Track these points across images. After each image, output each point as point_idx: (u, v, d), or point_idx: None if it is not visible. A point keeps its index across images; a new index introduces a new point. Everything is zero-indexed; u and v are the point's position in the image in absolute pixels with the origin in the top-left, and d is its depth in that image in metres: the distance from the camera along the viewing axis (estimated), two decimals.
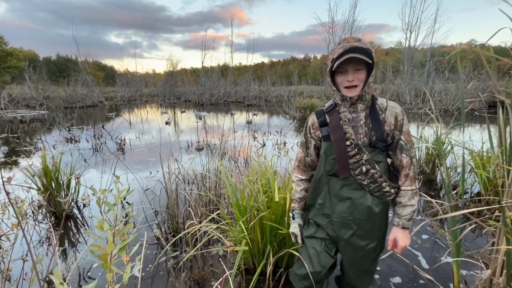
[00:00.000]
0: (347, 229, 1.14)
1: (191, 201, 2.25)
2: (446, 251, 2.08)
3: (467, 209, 2.79)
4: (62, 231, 2.40)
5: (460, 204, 2.89)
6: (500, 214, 1.23)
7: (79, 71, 19.55)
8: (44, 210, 2.71)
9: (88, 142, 6.10)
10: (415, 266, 1.89)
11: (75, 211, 2.83)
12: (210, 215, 1.95)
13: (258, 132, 6.91)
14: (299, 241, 1.29)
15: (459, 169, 3.41)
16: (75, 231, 2.49)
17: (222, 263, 1.81)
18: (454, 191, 3.02)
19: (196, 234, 2.15)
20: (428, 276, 1.79)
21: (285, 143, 5.72)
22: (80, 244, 2.28)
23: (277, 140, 5.90)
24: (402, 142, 1.07)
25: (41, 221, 2.61)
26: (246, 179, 1.82)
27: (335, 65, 1.00)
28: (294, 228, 1.30)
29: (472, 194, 3.11)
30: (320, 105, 10.52)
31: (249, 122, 9.18)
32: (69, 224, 2.58)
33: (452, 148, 3.52)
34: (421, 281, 1.77)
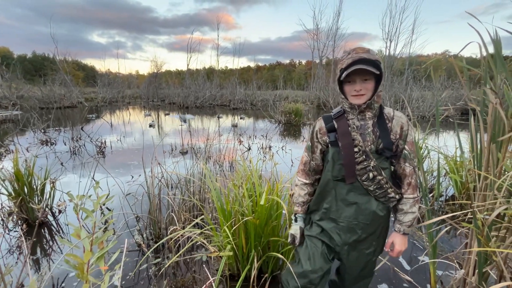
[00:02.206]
0: (352, 234, 1.16)
1: (174, 206, 2.20)
2: (424, 252, 2.16)
3: (442, 211, 2.93)
4: (34, 239, 2.26)
5: (436, 207, 3.02)
6: (472, 216, 1.30)
7: (56, 70, 18.67)
8: (15, 217, 2.55)
9: (65, 144, 5.81)
10: (395, 268, 1.95)
11: (50, 217, 2.68)
12: (193, 220, 1.92)
13: (243, 136, 6.90)
14: (297, 243, 1.30)
15: (435, 173, 3.58)
16: (49, 239, 2.36)
17: (206, 269, 1.77)
18: (431, 194, 3.17)
19: (179, 240, 2.11)
20: (407, 278, 1.85)
21: (270, 147, 5.75)
22: (55, 253, 2.16)
23: (262, 144, 5.92)
24: (406, 151, 1.10)
25: (11, 229, 2.44)
26: (231, 183, 1.81)
27: (343, 75, 1.02)
28: (295, 230, 1.31)
29: (447, 197, 3.27)
30: (305, 110, 10.70)
31: (234, 126, 9.16)
32: (43, 231, 2.44)
33: (428, 153, 3.69)
34: (401, 283, 1.83)
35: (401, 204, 1.14)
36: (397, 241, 1.15)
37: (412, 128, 1.12)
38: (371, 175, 1.08)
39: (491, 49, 1.24)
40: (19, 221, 2.53)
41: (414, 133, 1.12)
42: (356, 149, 1.08)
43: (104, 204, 2.85)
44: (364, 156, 1.08)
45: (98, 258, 0.76)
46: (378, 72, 1.01)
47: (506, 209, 1.16)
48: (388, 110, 1.12)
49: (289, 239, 1.33)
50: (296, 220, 1.33)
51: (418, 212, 1.13)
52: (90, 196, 0.84)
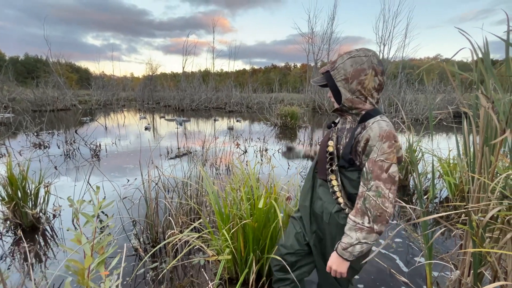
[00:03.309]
0: (319, 224, 1.20)
1: (171, 209, 2.18)
2: (420, 254, 2.19)
3: (437, 213, 2.97)
4: (29, 245, 2.22)
5: (430, 209, 3.06)
6: (467, 218, 1.32)
7: (49, 72, 18.45)
8: (8, 222, 2.50)
9: (59, 148, 5.74)
10: (392, 270, 1.97)
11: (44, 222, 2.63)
12: (191, 224, 1.91)
13: (239, 139, 6.91)
14: (286, 150, 1.58)
15: (429, 175, 3.63)
16: (43, 244, 2.32)
17: (205, 273, 1.77)
18: (425, 196, 3.21)
19: (176, 244, 2.09)
20: (404, 279, 1.87)
21: (266, 150, 5.76)
22: (49, 259, 2.12)
23: (260, 148, 5.93)
24: (364, 169, 0.99)
25: (4, 234, 2.40)
26: (229, 186, 1.81)
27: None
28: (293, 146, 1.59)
29: (441, 199, 3.32)
30: (300, 112, 10.76)
31: (230, 129, 9.16)
32: (36, 237, 2.40)
33: (423, 155, 3.75)
34: (398, 284, 1.84)
35: (347, 222, 1.03)
36: (331, 257, 1.05)
37: (384, 147, 0.95)
38: (329, 177, 1.10)
39: (481, 54, 1.28)
40: (12, 227, 2.49)
41: (384, 151, 0.94)
42: (327, 149, 1.12)
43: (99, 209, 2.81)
44: (329, 158, 1.10)
45: (99, 264, 0.76)
46: (322, 84, 1.09)
47: (499, 210, 1.19)
48: (370, 120, 1.01)
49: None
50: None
51: (358, 242, 0.96)
52: (90, 201, 0.84)
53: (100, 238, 0.76)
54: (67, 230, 2.49)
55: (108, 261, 1.96)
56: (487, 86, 1.27)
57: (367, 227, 0.95)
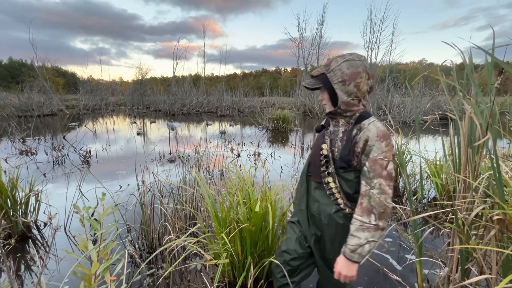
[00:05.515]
0: (317, 226, 1.22)
1: (167, 215, 2.18)
2: (410, 252, 2.27)
3: (425, 212, 3.07)
4: (18, 255, 2.16)
5: (419, 209, 3.17)
6: (454, 216, 1.39)
7: (35, 76, 17.98)
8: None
9: (47, 154, 5.60)
10: (385, 269, 2.03)
11: (34, 231, 2.57)
12: (188, 229, 1.92)
13: (232, 143, 6.92)
14: None
15: (418, 176, 3.75)
16: (33, 253, 2.26)
17: (204, 278, 1.77)
18: (414, 197, 3.32)
19: (173, 250, 2.09)
20: (396, 278, 1.93)
21: (259, 154, 5.80)
22: (40, 267, 2.07)
23: (254, 151, 5.95)
24: (365, 168, 1.02)
25: None
26: (225, 190, 1.83)
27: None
28: None
29: (429, 199, 3.44)
30: (291, 116, 10.89)
31: (223, 133, 9.16)
32: (27, 246, 2.34)
33: (411, 157, 3.87)
34: (391, 283, 1.90)
35: (351, 223, 1.04)
36: (338, 262, 1.05)
37: (382, 146, 0.99)
38: (326, 180, 1.13)
39: (460, 59, 1.37)
40: (1, 236, 2.41)
41: (382, 150, 0.99)
42: (321, 152, 1.15)
43: (92, 215, 2.77)
44: (325, 161, 1.13)
45: (104, 270, 0.77)
46: (317, 86, 1.11)
47: (483, 208, 1.27)
48: (365, 121, 1.06)
49: None
50: None
51: (367, 241, 0.98)
52: (96, 207, 0.85)
53: (107, 244, 0.77)
54: (74, 237, 2.43)
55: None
56: (471, 91, 1.36)
57: (373, 224, 0.97)
